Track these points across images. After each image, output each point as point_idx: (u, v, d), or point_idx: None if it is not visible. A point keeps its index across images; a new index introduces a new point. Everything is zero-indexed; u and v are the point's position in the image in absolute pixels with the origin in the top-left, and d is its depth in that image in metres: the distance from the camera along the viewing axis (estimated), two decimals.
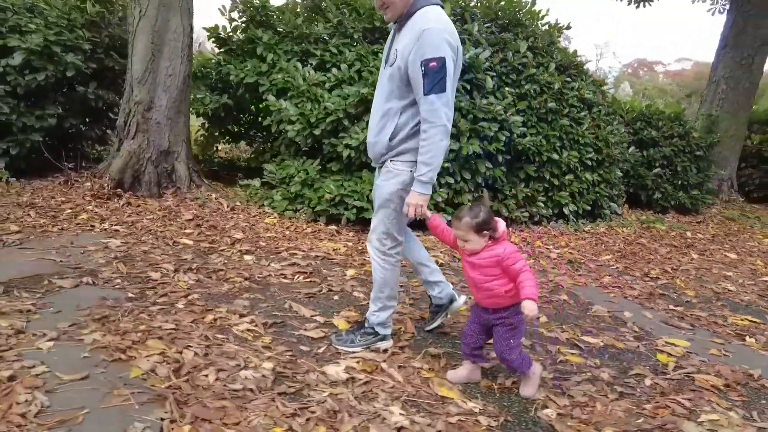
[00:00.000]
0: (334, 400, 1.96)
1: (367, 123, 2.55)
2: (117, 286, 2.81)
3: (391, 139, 2.18)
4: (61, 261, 3.07)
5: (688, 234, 5.91)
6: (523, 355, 2.13)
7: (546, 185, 5.40)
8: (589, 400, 2.20)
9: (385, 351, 2.38)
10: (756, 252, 5.48)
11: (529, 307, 1.87)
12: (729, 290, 4.05)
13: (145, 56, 4.52)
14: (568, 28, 6.54)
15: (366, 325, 2.47)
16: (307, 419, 1.82)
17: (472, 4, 5.59)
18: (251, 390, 1.96)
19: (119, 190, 4.59)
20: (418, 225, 2.39)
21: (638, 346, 2.81)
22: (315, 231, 4.34)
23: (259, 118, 6.00)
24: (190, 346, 2.22)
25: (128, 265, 3.13)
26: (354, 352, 2.36)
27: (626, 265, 4.44)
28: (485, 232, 1.97)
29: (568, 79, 5.63)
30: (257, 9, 5.10)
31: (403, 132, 2.17)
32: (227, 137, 6.32)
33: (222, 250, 3.62)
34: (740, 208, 7.30)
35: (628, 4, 9.31)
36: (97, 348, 2.12)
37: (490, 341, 2.19)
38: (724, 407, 2.21)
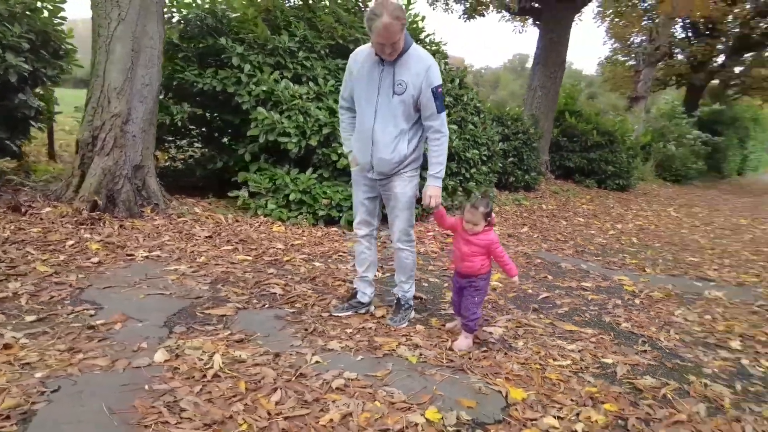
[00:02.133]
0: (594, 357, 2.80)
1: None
2: (266, 306, 2.98)
3: (408, 153, 2.80)
4: (171, 294, 2.99)
5: (543, 206, 8.06)
6: (479, 316, 2.68)
7: (461, 178, 6.73)
8: (630, 316, 3.51)
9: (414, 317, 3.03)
10: (590, 214, 7.90)
11: (517, 282, 3.00)
12: (603, 243, 6.03)
13: (125, 65, 4.09)
14: (445, 44, 7.91)
15: (402, 303, 3.02)
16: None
17: None
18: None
19: (97, 212, 4.12)
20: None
21: (609, 284, 4.31)
22: (325, 234, 4.73)
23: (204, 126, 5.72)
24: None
25: (235, 286, 3.21)
26: (406, 326, 2.91)
27: (540, 234, 6.08)
28: (489, 218, 2.62)
29: (470, 92, 7.02)
30: (216, 17, 4.98)
31: (412, 145, 2.90)
32: None
33: (288, 260, 3.84)
34: (554, 183, 10.03)
35: (458, 18, 11.38)
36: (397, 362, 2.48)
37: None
38: (680, 305, 3.81)
